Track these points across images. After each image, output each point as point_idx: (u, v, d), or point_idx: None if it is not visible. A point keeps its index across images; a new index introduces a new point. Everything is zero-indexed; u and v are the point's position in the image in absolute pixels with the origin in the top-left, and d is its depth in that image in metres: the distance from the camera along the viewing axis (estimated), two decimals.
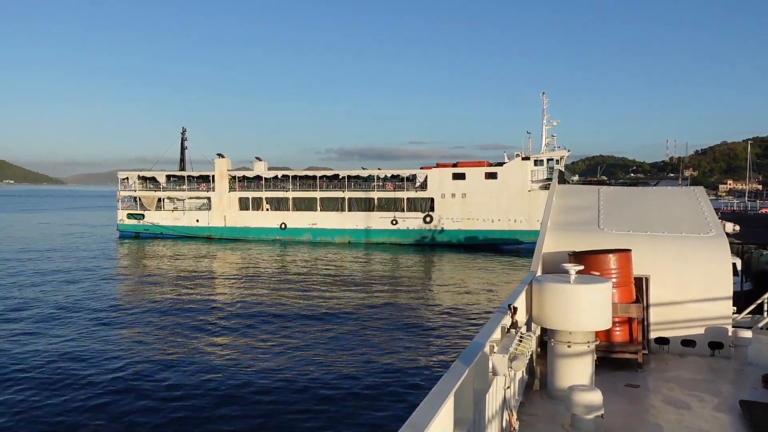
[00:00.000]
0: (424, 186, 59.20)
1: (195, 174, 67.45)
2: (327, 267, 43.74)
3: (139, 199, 66.83)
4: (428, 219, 58.42)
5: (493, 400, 5.11)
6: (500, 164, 58.03)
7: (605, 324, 7.03)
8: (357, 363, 19.77)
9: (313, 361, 20.03)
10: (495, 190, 56.64)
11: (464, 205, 57.40)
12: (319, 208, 61.56)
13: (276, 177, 64.43)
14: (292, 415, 15.48)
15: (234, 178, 64.92)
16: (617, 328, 8.36)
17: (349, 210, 60.70)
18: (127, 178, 68.14)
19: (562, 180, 12.73)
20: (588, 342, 7.03)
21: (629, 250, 8.71)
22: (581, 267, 7.24)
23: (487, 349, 4.85)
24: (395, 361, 19.98)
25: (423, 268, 44.92)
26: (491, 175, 57.12)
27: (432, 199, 58.54)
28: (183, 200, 66.36)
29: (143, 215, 66.14)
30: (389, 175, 61.73)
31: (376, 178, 61.42)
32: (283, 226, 61.97)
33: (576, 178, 67.63)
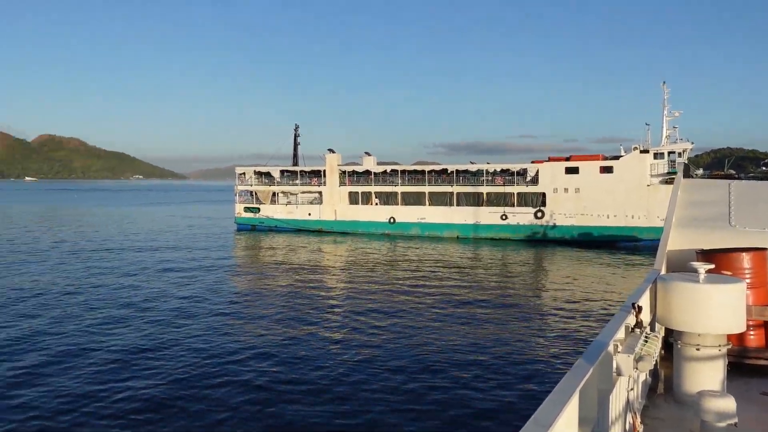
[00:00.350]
0: (535, 180, 57.87)
1: (307, 169, 69.63)
2: (435, 261, 43.78)
3: (255, 194, 69.87)
4: (539, 214, 57.05)
5: (616, 402, 4.93)
6: (616, 158, 55.63)
7: (738, 327, 6.60)
8: (470, 359, 19.66)
9: (423, 356, 20.14)
10: (611, 185, 54.38)
11: (578, 200, 55.54)
12: (427, 203, 61.77)
13: (385, 172, 65.24)
14: (403, 413, 15.63)
15: (344, 172, 66.37)
16: (752, 332, 7.81)
17: (458, 204, 60.45)
18: (244, 174, 71.43)
19: (687, 174, 12.03)
20: (719, 345, 6.63)
21: (765, 249, 8.11)
22: (711, 266, 6.84)
23: (611, 348, 4.67)
24: (509, 358, 19.68)
25: (534, 265, 43.96)
26: (606, 169, 54.88)
27: (543, 194, 57.10)
28: (296, 194, 68.67)
29: (259, 209, 69.09)
30: (498, 170, 60.86)
31: (485, 172, 60.72)
32: (391, 220, 62.68)
33: (700, 171, 63.68)
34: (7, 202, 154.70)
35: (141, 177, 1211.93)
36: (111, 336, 22.48)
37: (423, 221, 61.59)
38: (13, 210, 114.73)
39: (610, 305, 28.23)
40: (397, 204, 63.04)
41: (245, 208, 69.86)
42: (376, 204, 64.19)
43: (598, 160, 56.08)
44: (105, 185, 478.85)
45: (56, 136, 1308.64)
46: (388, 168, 65.99)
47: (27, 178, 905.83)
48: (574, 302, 29.22)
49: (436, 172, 63.43)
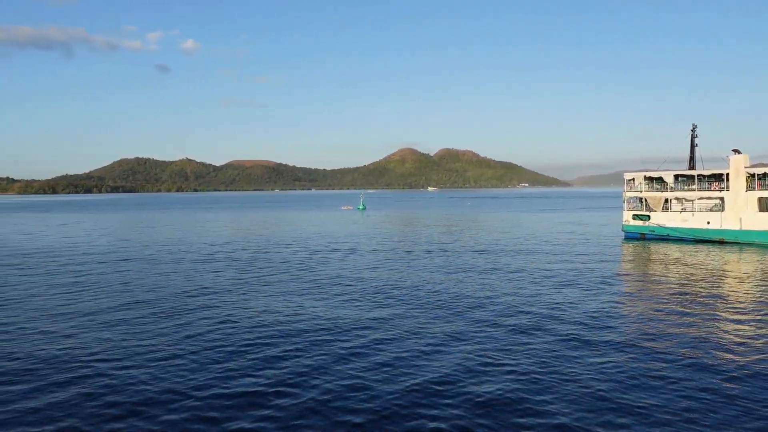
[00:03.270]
0: None
1: (706, 173, 62.93)
2: None
3: (645, 200, 66.03)
4: None
5: None
6: None
7: None
8: None
9: None
10: None
11: None
12: None
13: None
14: None
15: (753, 175, 58.08)
16: None
17: None
18: (633, 179, 68.11)
19: None
20: None
21: None
22: None
23: None
24: None
25: None
26: None
27: None
28: (692, 201, 62.72)
29: (649, 216, 65.11)
30: None
31: None
32: None
33: None
34: (419, 208, 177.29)
35: (526, 185, 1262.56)
36: (476, 336, 23.55)
37: None
38: (422, 214, 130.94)
39: None
40: None
41: (634, 215, 66.59)
42: None
43: None
44: (494, 193, 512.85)
45: (453, 150, 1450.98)
46: None
47: (429, 188, 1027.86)
48: None
49: None
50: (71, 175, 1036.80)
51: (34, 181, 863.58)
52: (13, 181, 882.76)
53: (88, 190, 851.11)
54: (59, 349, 22.20)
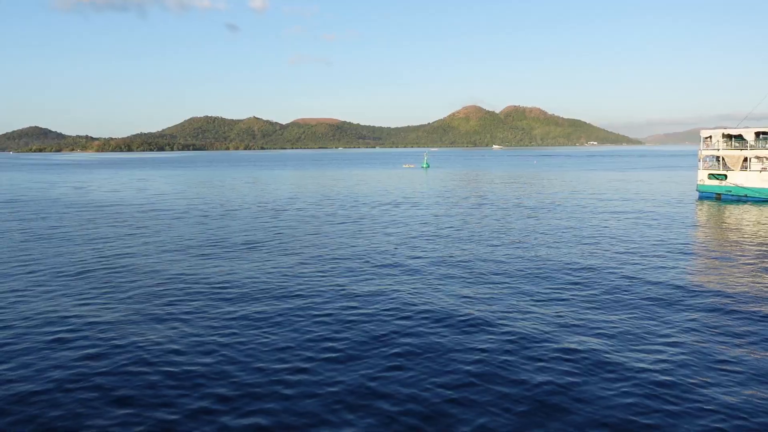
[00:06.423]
0: None
1: None
2: None
3: (722, 159, 62.90)
4: None
5: None
6: None
7: None
8: None
9: None
10: None
11: None
12: None
13: None
14: None
15: None
16: None
17: None
18: (710, 137, 64.93)
19: None
20: None
21: None
22: None
23: None
24: None
25: None
26: None
27: None
28: None
29: (725, 176, 62.10)
30: None
31: None
32: None
33: None
34: (483, 167, 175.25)
35: (595, 143, 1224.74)
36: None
37: None
38: (485, 174, 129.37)
39: None
40: None
41: (710, 175, 63.63)
42: None
43: None
44: (560, 151, 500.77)
45: (519, 107, 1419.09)
46: None
47: (494, 146, 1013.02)
48: None
49: None
50: (145, 134, 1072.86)
51: (111, 139, 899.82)
52: (93, 139, 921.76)
53: (161, 148, 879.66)
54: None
